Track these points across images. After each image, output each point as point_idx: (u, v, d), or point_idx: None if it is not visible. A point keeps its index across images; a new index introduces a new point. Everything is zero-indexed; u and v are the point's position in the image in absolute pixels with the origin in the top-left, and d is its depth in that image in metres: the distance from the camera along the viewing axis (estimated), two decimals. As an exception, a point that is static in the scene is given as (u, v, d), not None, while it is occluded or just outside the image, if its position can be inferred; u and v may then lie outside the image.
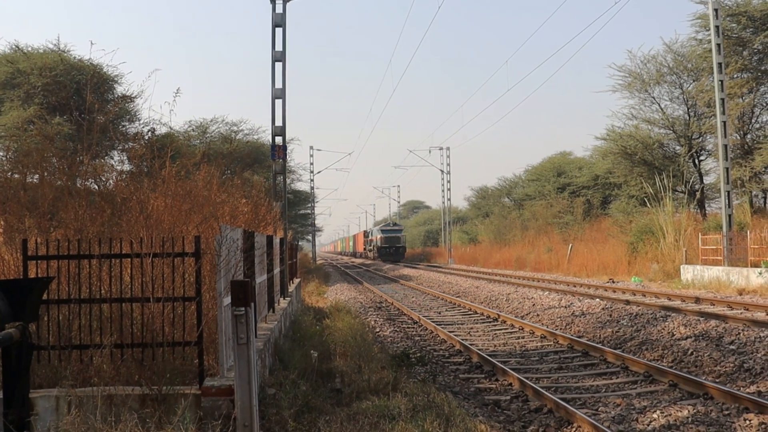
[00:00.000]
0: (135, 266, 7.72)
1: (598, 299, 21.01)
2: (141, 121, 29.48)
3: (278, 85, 19.20)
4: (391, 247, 75.27)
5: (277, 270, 14.98)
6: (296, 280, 23.70)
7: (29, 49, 29.67)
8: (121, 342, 7.57)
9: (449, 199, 67.74)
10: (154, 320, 7.78)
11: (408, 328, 19.03)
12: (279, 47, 19.18)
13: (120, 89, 29.47)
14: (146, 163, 11.90)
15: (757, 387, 10.29)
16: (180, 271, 8.03)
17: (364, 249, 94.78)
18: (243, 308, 6.40)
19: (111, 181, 11.80)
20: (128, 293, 7.75)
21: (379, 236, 77.45)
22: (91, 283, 7.84)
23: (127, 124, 30.09)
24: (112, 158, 19.54)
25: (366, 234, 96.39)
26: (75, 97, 26.94)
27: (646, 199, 36.19)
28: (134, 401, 6.97)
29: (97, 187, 11.64)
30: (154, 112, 47.79)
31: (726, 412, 9.01)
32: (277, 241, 15.61)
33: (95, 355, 7.49)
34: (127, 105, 27.53)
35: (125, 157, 14.08)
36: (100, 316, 7.75)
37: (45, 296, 7.27)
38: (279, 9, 19.14)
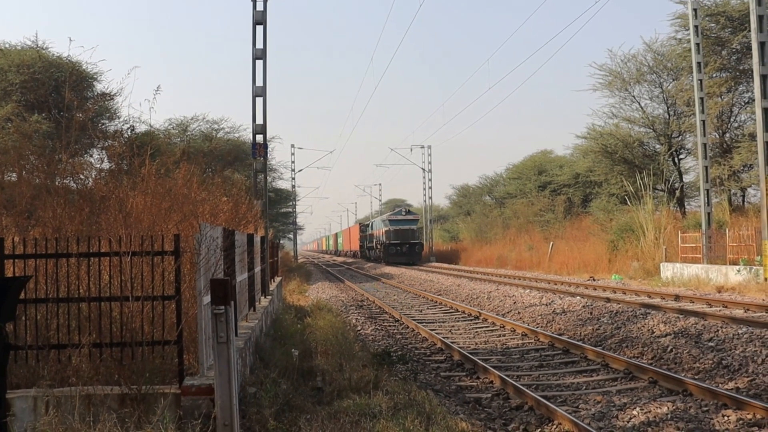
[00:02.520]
0: (114, 265, 7.66)
1: (578, 297, 21.11)
2: (121, 119, 29.30)
3: (259, 82, 19.15)
4: (404, 245, 56.75)
5: (257, 268, 14.93)
6: (277, 279, 23.62)
7: (6, 45, 29.39)
8: (100, 341, 7.50)
9: (431, 198, 66.90)
10: (133, 319, 7.72)
11: (389, 326, 19.03)
12: (260, 45, 19.13)
13: (99, 87, 29.28)
14: (126, 161, 11.82)
15: (735, 383, 10.38)
16: (159, 270, 7.97)
17: (361, 247, 74.74)
18: (223, 307, 6.37)
19: (90, 180, 11.72)
20: (107, 292, 7.68)
21: (386, 229, 58.76)
22: (69, 282, 7.77)
23: (106, 122, 29.90)
24: (92, 156, 19.41)
25: (363, 227, 76.13)
26: (54, 94, 26.71)
27: (626, 198, 36.40)
28: (113, 401, 6.92)
29: (75, 185, 11.56)
30: (133, 109, 47.48)
31: (705, 409, 9.08)
32: (257, 239, 15.55)
33: (73, 354, 7.42)
34: (106, 103, 27.34)
35: (105, 155, 13.98)
36: (79, 316, 7.68)
37: (22, 295, 7.20)
38: (260, 6, 19.08)
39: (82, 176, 11.78)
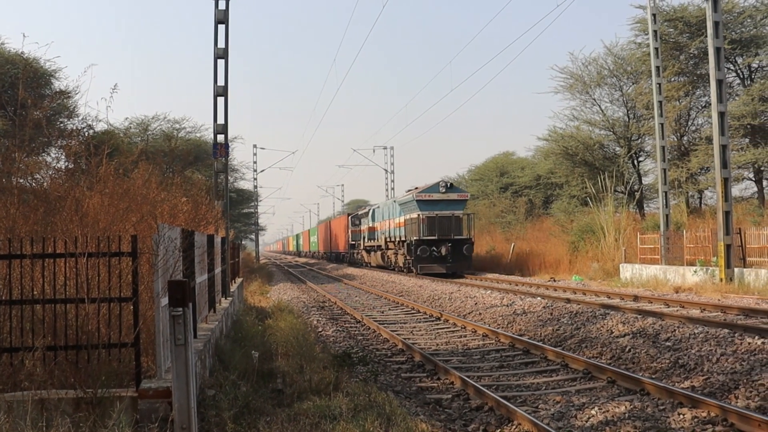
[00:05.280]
0: (69, 266, 7.51)
1: (539, 298, 21.25)
2: (79, 118, 28.81)
3: (221, 82, 19.02)
4: (444, 242, 33.97)
5: (218, 270, 14.79)
6: (238, 280, 23.46)
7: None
8: (55, 344, 7.35)
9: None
10: (89, 321, 7.59)
11: (351, 327, 18.98)
12: (222, 44, 18.99)
13: (57, 84, 28.82)
14: (83, 160, 11.63)
15: (691, 382, 10.53)
16: (116, 271, 7.85)
17: (352, 247, 53.69)
18: (181, 309, 6.28)
19: (46, 179, 11.51)
20: (62, 294, 7.53)
21: (409, 218, 35.72)
22: (23, 283, 7.61)
23: (65, 120, 29.40)
24: (49, 155, 19.08)
25: (355, 219, 52.51)
26: (9, 91, 26.20)
27: (587, 199, 36.81)
28: (68, 405, 6.78)
29: (30, 184, 11.34)
30: (91, 108, 46.85)
31: (661, 408, 9.20)
32: (218, 240, 15.42)
33: (27, 358, 7.26)
34: (64, 101, 26.90)
35: (62, 154, 13.75)
36: (33, 318, 7.52)
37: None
38: (222, 5, 18.94)
39: (37, 175, 11.57)
